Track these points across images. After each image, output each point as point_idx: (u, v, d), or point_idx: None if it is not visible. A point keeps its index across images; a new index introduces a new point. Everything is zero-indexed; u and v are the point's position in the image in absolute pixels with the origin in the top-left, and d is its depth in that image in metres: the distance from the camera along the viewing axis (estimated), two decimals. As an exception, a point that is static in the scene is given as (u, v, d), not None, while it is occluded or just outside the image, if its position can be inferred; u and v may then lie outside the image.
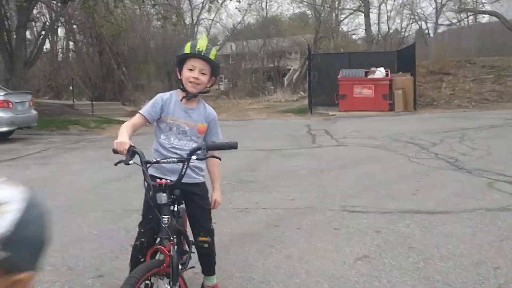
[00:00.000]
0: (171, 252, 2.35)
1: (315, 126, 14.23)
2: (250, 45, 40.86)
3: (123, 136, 2.40)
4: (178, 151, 2.60)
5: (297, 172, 7.15)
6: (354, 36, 41.64)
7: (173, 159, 2.49)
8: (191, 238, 2.84)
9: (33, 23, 20.23)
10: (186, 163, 2.41)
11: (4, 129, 11.48)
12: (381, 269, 3.43)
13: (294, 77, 39.20)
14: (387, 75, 17.87)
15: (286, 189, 6.02)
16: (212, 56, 2.55)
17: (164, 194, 2.36)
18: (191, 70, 2.55)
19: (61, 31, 29.18)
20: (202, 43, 2.55)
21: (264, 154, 8.93)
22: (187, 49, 2.56)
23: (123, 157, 2.33)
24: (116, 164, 2.44)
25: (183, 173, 2.41)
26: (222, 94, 34.95)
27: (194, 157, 2.37)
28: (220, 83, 44.20)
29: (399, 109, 17.23)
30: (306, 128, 13.66)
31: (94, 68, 26.44)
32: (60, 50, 30.52)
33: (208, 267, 2.89)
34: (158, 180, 2.41)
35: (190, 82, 2.56)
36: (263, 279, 3.32)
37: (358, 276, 3.31)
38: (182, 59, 2.58)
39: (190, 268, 2.84)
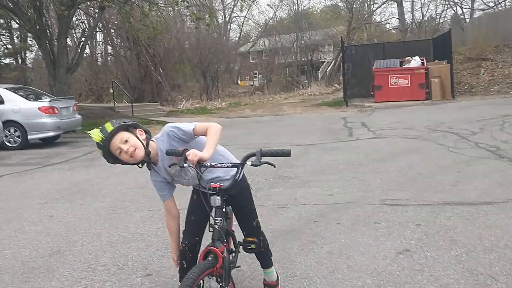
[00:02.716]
0: (224, 254, 2.44)
1: (351, 118, 14.14)
2: (283, 40, 40.80)
3: None
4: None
5: (336, 166, 7.17)
6: (387, 26, 40.92)
7: (227, 163, 2.57)
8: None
9: (73, 30, 20.88)
10: (240, 168, 2.51)
11: (51, 133, 11.99)
12: (423, 263, 3.44)
13: (328, 70, 38.88)
14: (422, 63, 17.55)
15: (325, 184, 6.06)
16: (109, 129, 2.45)
17: (218, 197, 2.46)
18: (120, 152, 2.48)
19: (99, 36, 30.02)
20: (96, 137, 2.47)
21: (301, 149, 8.97)
22: (100, 152, 2.50)
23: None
24: (170, 166, 2.57)
25: (237, 178, 2.51)
26: (256, 90, 35.05)
27: (248, 163, 2.45)
28: (255, 79, 44.39)
29: (436, 97, 16.88)
30: (342, 121, 13.60)
31: (132, 71, 27.09)
32: (99, 54, 31.38)
33: (263, 260, 3.00)
34: (212, 183, 2.50)
35: (131, 157, 2.48)
36: (305, 275, 3.40)
37: (400, 270, 3.34)
38: (112, 157, 2.51)
39: (236, 267, 2.94)
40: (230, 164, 2.59)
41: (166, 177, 2.70)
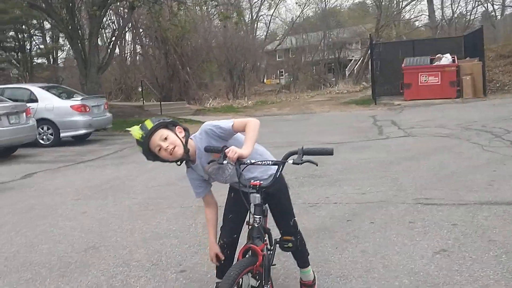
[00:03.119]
0: (264, 252, 2.43)
1: (381, 116, 13.96)
2: (310, 38, 40.57)
3: None
4: (235, 179, 2.57)
5: (367, 165, 7.08)
6: (416, 23, 40.26)
7: (268, 161, 2.55)
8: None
9: (103, 30, 21.24)
10: (281, 166, 2.47)
11: (83, 131, 12.23)
12: (461, 263, 3.37)
13: (355, 68, 38.49)
14: (453, 61, 17.20)
15: (356, 183, 5.99)
16: (149, 126, 2.47)
17: (258, 195, 2.43)
18: (159, 149, 2.49)
19: (128, 36, 30.43)
20: (136, 134, 2.48)
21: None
22: (140, 149, 2.52)
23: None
24: (209, 163, 2.57)
25: (278, 176, 2.48)
26: (283, 88, 34.97)
27: (290, 161, 2.41)
28: (281, 77, 44.30)
29: (467, 95, 16.52)
30: (371, 119, 13.44)
31: (160, 70, 27.38)
32: (128, 54, 31.85)
33: (300, 260, 2.98)
34: (252, 181, 2.47)
35: (170, 155, 2.49)
36: (340, 274, 3.36)
37: (438, 270, 3.27)
38: (152, 155, 2.53)
39: (272, 265, 2.93)
40: (270, 161, 2.56)
41: (203, 175, 2.70)
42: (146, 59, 29.26)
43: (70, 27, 15.82)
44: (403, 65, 17.62)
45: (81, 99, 12.32)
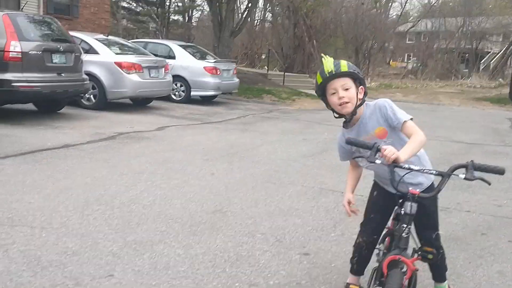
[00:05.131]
0: (415, 266, 2.31)
1: (520, 121, 12.74)
2: (447, 23, 37.86)
3: None
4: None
5: (505, 174, 6.50)
6: None
7: (431, 170, 2.39)
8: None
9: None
10: (447, 179, 2.31)
11: (211, 93, 12.79)
12: None
13: (492, 62, 35.35)
14: None
15: (492, 192, 5.54)
16: (344, 68, 2.36)
17: (415, 205, 2.29)
18: (334, 93, 2.39)
19: (261, 2, 30.79)
20: (327, 64, 2.36)
21: (461, 147, 8.34)
22: (319, 79, 2.40)
23: None
24: (354, 158, 2.51)
25: (441, 188, 2.33)
26: (409, 74, 33.36)
27: (461, 175, 2.24)
28: (408, 61, 42.13)
29: None
30: (508, 122, 12.35)
31: (286, 40, 27.49)
32: (258, 21, 32.32)
33: (437, 273, 2.86)
34: (411, 189, 2.33)
35: (339, 105, 2.39)
36: (474, 292, 3.16)
37: None
38: (322, 91, 2.43)
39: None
40: (435, 171, 2.37)
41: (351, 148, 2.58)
42: (275, 27, 29.50)
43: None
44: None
45: (214, 62, 12.81)
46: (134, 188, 4.96)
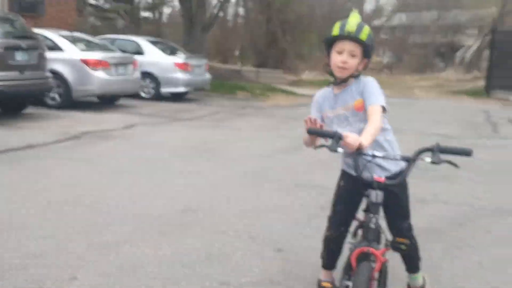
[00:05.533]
0: (385, 257, 2.20)
1: (495, 112, 12.86)
2: (422, 17, 38.06)
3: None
4: None
5: (480, 166, 6.45)
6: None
7: (395, 156, 2.28)
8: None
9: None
10: (412, 164, 2.18)
11: (182, 89, 12.50)
12: None
13: (467, 55, 35.76)
14: None
15: (469, 184, 5.50)
16: (363, 36, 2.27)
17: (381, 193, 2.18)
18: (339, 53, 2.31)
19: (233, -2, 30.50)
20: (352, 22, 2.27)
21: (437, 139, 8.10)
22: (335, 30, 2.31)
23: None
24: (316, 148, 2.33)
25: (407, 173, 2.20)
26: (384, 68, 33.54)
27: (427, 159, 2.12)
28: (384, 55, 42.39)
29: None
30: (483, 115, 12.42)
31: (260, 35, 27.27)
32: (230, 16, 32.05)
33: (410, 264, 2.74)
34: (375, 175, 2.22)
35: (338, 67, 2.33)
36: (453, 285, 3.05)
37: None
38: (331, 42, 2.35)
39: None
40: (399, 156, 2.27)
41: (325, 108, 2.48)
42: (248, 23, 29.27)
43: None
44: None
45: (185, 57, 12.54)
46: (100, 188, 4.73)
